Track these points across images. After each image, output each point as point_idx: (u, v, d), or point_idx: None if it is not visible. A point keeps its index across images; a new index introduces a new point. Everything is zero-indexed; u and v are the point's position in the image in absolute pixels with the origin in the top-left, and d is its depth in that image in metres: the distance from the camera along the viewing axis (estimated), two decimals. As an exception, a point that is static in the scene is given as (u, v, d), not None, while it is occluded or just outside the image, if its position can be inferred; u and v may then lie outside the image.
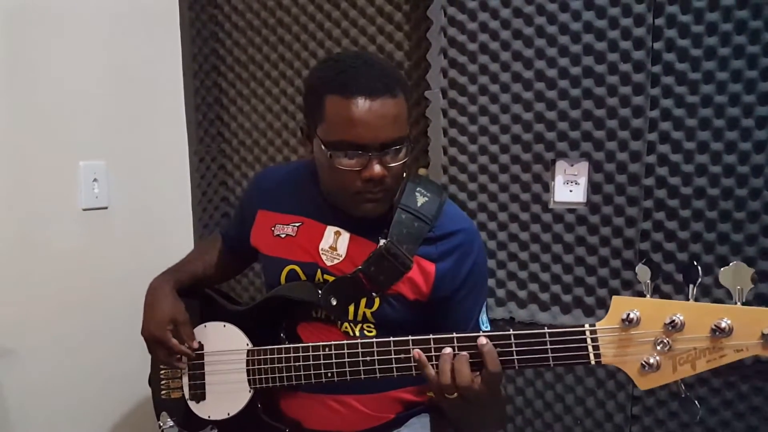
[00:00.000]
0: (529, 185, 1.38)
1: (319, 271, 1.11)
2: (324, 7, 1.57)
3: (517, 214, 1.40)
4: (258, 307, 1.17)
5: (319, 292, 1.09)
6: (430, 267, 1.07)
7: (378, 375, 0.98)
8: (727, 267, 0.79)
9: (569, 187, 1.35)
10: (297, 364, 1.05)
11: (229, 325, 1.17)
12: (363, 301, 1.08)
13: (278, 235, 1.17)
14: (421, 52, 1.46)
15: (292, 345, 1.07)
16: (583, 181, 1.34)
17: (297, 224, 1.15)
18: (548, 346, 0.88)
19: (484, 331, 1.08)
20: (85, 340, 1.49)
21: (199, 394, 1.18)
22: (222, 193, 1.84)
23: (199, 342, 1.18)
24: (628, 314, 0.83)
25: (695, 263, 0.81)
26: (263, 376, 1.10)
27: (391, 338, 0.97)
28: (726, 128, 1.22)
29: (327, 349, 1.02)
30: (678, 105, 1.24)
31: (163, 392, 1.24)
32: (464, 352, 0.91)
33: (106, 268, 1.53)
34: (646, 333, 0.83)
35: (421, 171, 1.47)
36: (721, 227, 1.24)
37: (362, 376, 0.99)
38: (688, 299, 0.82)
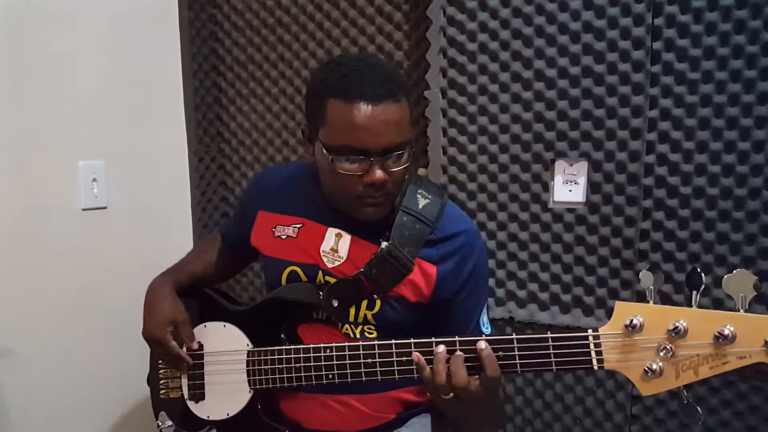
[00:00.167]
0: (529, 185, 1.38)
1: (320, 272, 1.11)
2: (323, 6, 1.57)
3: (517, 214, 1.40)
4: (258, 307, 1.17)
5: (321, 293, 1.09)
6: (432, 269, 1.07)
7: (380, 377, 0.98)
8: (730, 275, 0.79)
9: (568, 186, 1.35)
10: (298, 365, 1.05)
11: (229, 326, 1.17)
12: (364, 303, 1.08)
13: (279, 236, 1.17)
14: (421, 52, 1.45)
15: (292, 346, 1.07)
16: (582, 180, 1.34)
17: (298, 225, 1.15)
18: (551, 351, 0.88)
19: (485, 333, 1.09)
20: (84, 340, 1.49)
21: (198, 394, 1.18)
22: (221, 192, 1.84)
23: (199, 342, 1.18)
24: (632, 320, 0.83)
25: (698, 269, 0.82)
26: (263, 377, 1.10)
27: (393, 341, 0.97)
28: (725, 128, 1.22)
29: (328, 351, 1.02)
30: (677, 105, 1.24)
31: (162, 392, 1.24)
32: (460, 353, 0.91)
33: (106, 267, 1.53)
34: (650, 339, 0.83)
35: (421, 171, 1.47)
36: (721, 227, 1.24)
37: (363, 378, 0.99)
38: (691, 305, 0.82)
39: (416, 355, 0.93)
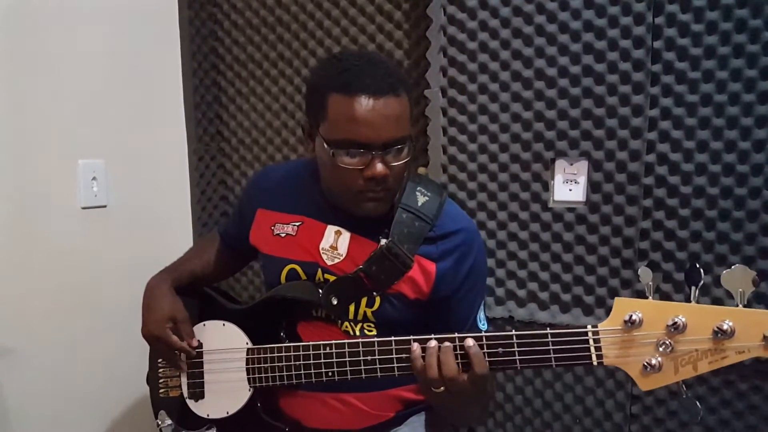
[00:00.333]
0: (529, 184, 1.38)
1: (319, 270, 1.11)
2: (323, 5, 1.57)
3: (517, 213, 1.40)
4: (258, 306, 1.17)
5: (320, 291, 1.09)
6: (431, 266, 1.07)
7: (379, 374, 0.98)
8: (729, 270, 0.79)
9: (569, 186, 1.35)
10: (297, 363, 1.05)
11: (228, 324, 1.17)
12: (364, 301, 1.09)
13: (278, 234, 1.17)
14: (421, 51, 1.45)
15: (292, 344, 1.07)
16: (582, 180, 1.34)
17: (297, 223, 1.15)
18: (550, 347, 0.88)
19: (481, 330, 1.09)
20: (83, 339, 1.49)
21: (197, 393, 1.18)
22: (221, 191, 1.83)
23: (199, 340, 1.18)
24: (631, 316, 0.83)
25: (697, 265, 0.82)
26: (263, 375, 1.10)
27: (393, 338, 0.97)
28: (725, 127, 1.22)
29: (328, 348, 1.02)
30: (678, 104, 1.24)
31: (161, 391, 1.24)
32: (448, 344, 0.92)
33: (105, 266, 1.53)
34: (649, 334, 0.83)
35: (421, 170, 1.47)
36: (721, 226, 1.24)
37: (363, 376, 0.99)
38: (689, 301, 0.82)
39: (415, 345, 0.94)
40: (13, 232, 1.34)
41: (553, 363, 0.89)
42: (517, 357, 0.90)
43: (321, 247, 1.12)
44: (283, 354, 1.07)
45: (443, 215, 1.10)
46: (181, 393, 1.20)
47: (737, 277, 0.79)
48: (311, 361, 1.04)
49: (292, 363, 1.06)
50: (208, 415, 1.17)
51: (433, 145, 1.42)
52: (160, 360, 1.24)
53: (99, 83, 1.49)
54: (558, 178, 1.36)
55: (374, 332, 1.10)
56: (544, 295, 1.41)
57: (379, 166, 0.99)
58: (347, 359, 1.00)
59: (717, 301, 1.24)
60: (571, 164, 1.34)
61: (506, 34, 1.34)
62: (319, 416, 1.13)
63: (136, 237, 1.60)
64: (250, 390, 1.12)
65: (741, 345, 0.78)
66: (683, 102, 1.24)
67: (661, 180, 1.27)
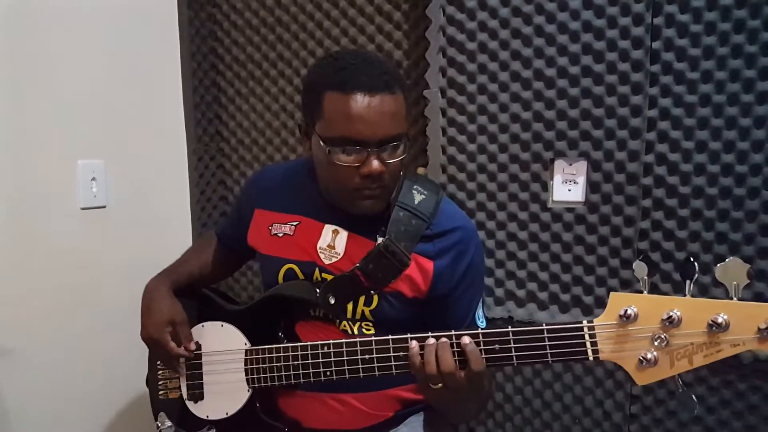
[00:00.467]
0: (528, 184, 1.38)
1: (317, 269, 1.11)
2: (323, 5, 1.57)
3: (516, 214, 1.40)
4: (256, 306, 1.17)
5: (318, 290, 1.09)
6: (428, 264, 1.08)
7: (377, 373, 0.98)
8: (723, 263, 0.80)
9: (568, 186, 1.35)
10: (296, 363, 1.05)
11: (226, 325, 1.17)
12: (361, 299, 1.09)
13: (276, 234, 1.17)
14: (420, 51, 1.46)
15: (290, 344, 1.07)
16: (581, 180, 1.34)
17: (294, 223, 1.16)
18: (546, 343, 0.88)
19: (480, 328, 1.10)
20: (83, 339, 1.49)
21: (197, 394, 1.18)
22: (220, 192, 1.84)
23: (197, 342, 1.18)
24: (626, 310, 0.83)
25: (691, 259, 0.82)
26: (262, 376, 1.10)
27: (390, 336, 0.97)
28: (724, 127, 1.21)
29: (326, 348, 1.03)
30: (676, 104, 1.24)
31: (160, 392, 1.24)
32: (445, 339, 0.92)
33: (105, 266, 1.53)
34: (644, 329, 0.83)
35: (420, 170, 1.47)
36: (720, 226, 1.24)
37: (361, 375, 1.00)
38: (685, 295, 0.82)
39: (413, 342, 0.94)
40: (13, 233, 1.34)
41: (550, 359, 0.89)
42: (513, 353, 0.90)
43: (318, 246, 1.12)
44: (282, 354, 1.07)
45: (440, 213, 1.10)
46: (181, 394, 1.20)
47: (731, 270, 0.79)
48: (309, 361, 1.04)
49: (291, 363, 1.06)
50: (207, 416, 1.17)
51: (432, 146, 1.42)
52: (159, 362, 1.24)
53: (98, 83, 1.49)
54: (557, 179, 1.36)
55: (372, 331, 1.10)
56: (543, 296, 1.41)
57: (375, 164, 0.99)
58: (345, 358, 1.00)
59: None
60: (570, 164, 1.34)
61: (505, 35, 1.34)
62: (318, 416, 1.13)
63: (135, 237, 1.60)
64: (249, 390, 1.12)
65: (736, 338, 0.78)
66: (682, 102, 1.24)
67: (660, 180, 1.27)
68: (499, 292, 1.44)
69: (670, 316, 0.81)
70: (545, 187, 1.37)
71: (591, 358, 0.87)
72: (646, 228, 1.30)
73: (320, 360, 1.03)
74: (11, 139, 1.32)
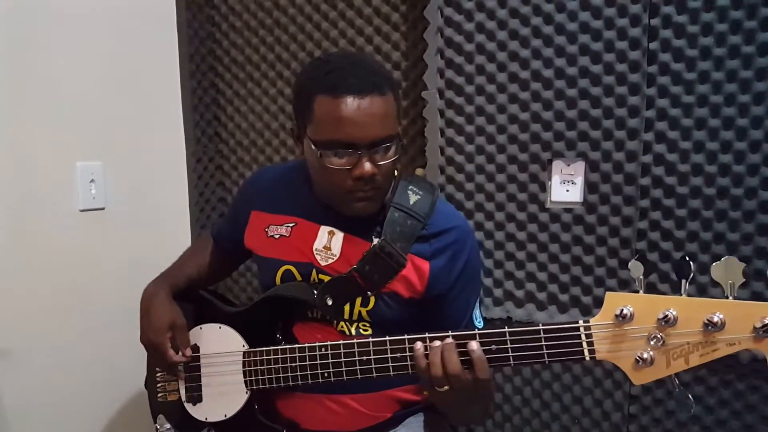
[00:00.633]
0: (526, 185, 1.38)
1: (314, 271, 1.11)
2: (321, 7, 1.57)
3: (514, 214, 1.40)
4: (253, 308, 1.17)
5: (315, 292, 1.09)
6: (424, 265, 1.08)
7: (374, 374, 0.98)
8: (718, 262, 0.80)
9: (566, 186, 1.35)
10: (294, 364, 1.05)
11: (224, 327, 1.17)
12: (358, 300, 1.09)
13: (272, 236, 1.17)
14: (418, 53, 1.46)
15: (288, 346, 1.07)
16: (579, 180, 1.34)
17: (290, 225, 1.16)
18: (543, 343, 0.89)
19: (477, 328, 1.10)
20: (82, 340, 1.49)
21: (195, 397, 1.18)
22: (219, 193, 1.84)
23: (195, 344, 1.18)
24: (622, 310, 0.84)
25: (687, 258, 0.82)
26: (260, 377, 1.10)
27: (387, 337, 0.97)
28: (721, 128, 1.22)
29: (323, 349, 1.03)
30: (674, 105, 1.24)
31: (159, 395, 1.24)
32: (450, 340, 0.92)
33: (104, 269, 1.53)
34: (640, 328, 0.83)
35: (418, 171, 1.47)
36: (717, 226, 1.25)
37: (359, 376, 1.00)
38: (680, 295, 0.82)
39: (418, 344, 0.93)
40: (12, 235, 1.34)
41: (546, 359, 0.89)
42: (510, 354, 0.90)
43: (315, 247, 1.12)
44: (280, 356, 1.07)
45: (436, 213, 1.11)
46: (179, 397, 1.20)
47: (727, 269, 0.79)
48: (307, 363, 1.04)
49: (289, 365, 1.06)
50: (206, 419, 1.17)
51: (430, 147, 1.43)
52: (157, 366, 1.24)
53: (97, 85, 1.49)
54: (555, 179, 1.36)
55: (369, 332, 1.10)
56: (542, 296, 1.41)
57: (367, 165, 0.99)
58: (342, 360, 1.00)
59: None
60: (568, 165, 1.35)
61: (503, 36, 1.34)
62: (316, 418, 1.13)
63: (134, 239, 1.60)
64: (247, 392, 1.12)
65: (732, 337, 0.79)
66: (679, 103, 1.24)
67: (658, 180, 1.28)
68: (498, 292, 1.44)
69: (666, 316, 0.81)
70: (543, 187, 1.37)
71: (587, 358, 0.87)
72: (644, 228, 1.30)
73: (318, 361, 1.03)
74: (10, 141, 1.32)
